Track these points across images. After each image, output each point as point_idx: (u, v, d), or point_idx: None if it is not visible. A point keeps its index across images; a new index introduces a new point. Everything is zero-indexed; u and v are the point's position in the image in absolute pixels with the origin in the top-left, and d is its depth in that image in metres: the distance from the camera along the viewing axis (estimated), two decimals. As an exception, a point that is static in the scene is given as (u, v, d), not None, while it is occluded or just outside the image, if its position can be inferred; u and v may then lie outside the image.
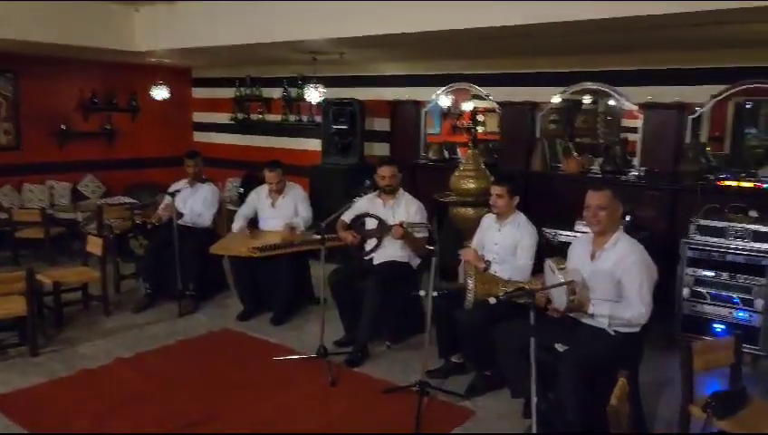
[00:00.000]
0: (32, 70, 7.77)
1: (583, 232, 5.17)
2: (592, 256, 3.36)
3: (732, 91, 5.15)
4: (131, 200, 8.05)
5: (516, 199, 4.13)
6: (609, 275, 3.21)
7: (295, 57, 7.09)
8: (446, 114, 7.35)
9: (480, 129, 7.47)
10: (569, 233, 5.31)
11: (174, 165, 9.26)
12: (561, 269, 3.12)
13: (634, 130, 6.19)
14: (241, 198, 8.26)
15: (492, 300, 3.08)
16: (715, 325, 4.49)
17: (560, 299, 3.14)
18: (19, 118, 7.79)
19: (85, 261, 5.49)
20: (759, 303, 4.32)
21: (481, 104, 7.32)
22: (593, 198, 3.38)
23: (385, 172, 4.69)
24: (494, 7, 4.46)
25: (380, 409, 3.76)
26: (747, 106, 5.45)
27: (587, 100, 6.40)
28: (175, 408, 3.71)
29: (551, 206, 5.64)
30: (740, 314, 4.41)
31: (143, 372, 4.18)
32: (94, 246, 5.24)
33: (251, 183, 8.57)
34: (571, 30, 4.51)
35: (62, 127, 8.05)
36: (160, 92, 8.11)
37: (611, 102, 6.52)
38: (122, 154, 8.83)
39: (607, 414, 2.36)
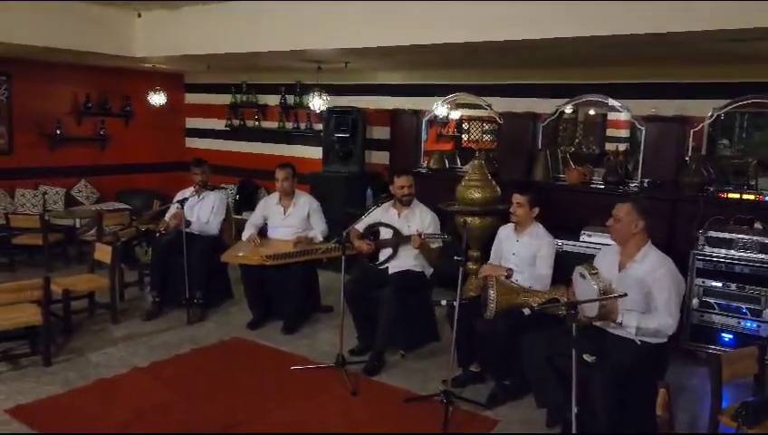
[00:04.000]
0: (25, 72, 7.65)
1: (589, 242, 5.36)
2: (620, 267, 3.44)
3: (734, 105, 5.31)
4: (126, 206, 7.96)
5: (536, 211, 4.21)
6: (639, 285, 3.29)
7: (296, 65, 7.10)
8: (431, 122, 7.43)
9: (464, 137, 7.58)
10: (574, 243, 5.44)
11: (164, 171, 9.24)
12: (594, 274, 3.18)
13: (619, 139, 6.36)
14: (237, 205, 8.24)
15: (526, 311, 3.12)
16: (723, 335, 4.61)
17: (591, 306, 3.20)
18: (12, 121, 7.64)
19: (91, 268, 5.42)
20: (767, 313, 4.46)
21: (467, 113, 7.41)
22: (614, 209, 3.50)
23: (403, 182, 4.73)
24: (495, 22, 4.56)
25: (404, 418, 3.78)
26: (721, 118, 5.61)
27: (568, 110, 6.50)
28: (198, 416, 3.69)
29: (554, 216, 5.72)
30: (748, 324, 4.54)
31: (162, 381, 4.14)
32: (103, 253, 5.17)
33: (247, 189, 8.57)
34: (576, 44, 4.61)
35: (56, 131, 7.92)
36: (158, 98, 8.04)
37: (591, 112, 6.64)
38: (114, 159, 8.72)
39: (656, 423, 2.43)
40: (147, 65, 7.84)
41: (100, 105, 8.39)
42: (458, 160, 7.35)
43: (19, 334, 4.38)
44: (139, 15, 6.72)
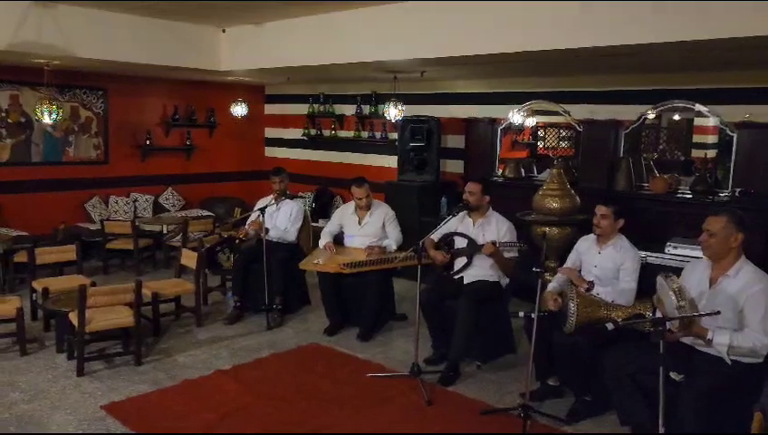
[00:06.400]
0: (120, 87, 8.14)
1: (675, 254, 5.14)
2: (711, 282, 3.28)
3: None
4: (209, 213, 8.29)
5: (621, 222, 4.08)
6: (731, 302, 3.12)
7: (373, 75, 7.20)
8: (506, 130, 7.32)
9: (540, 144, 7.42)
10: (659, 255, 5.23)
11: (245, 179, 9.57)
12: (676, 290, 3.02)
13: (706, 146, 6.03)
14: (313, 213, 8.41)
15: (609, 326, 3.03)
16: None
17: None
18: (107, 133, 8.14)
19: (178, 273, 5.67)
20: None
21: (542, 119, 7.26)
22: (706, 223, 3.32)
23: (468, 188, 4.74)
24: (582, 29, 4.43)
25: (480, 430, 3.75)
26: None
27: (651, 115, 6.23)
28: (278, 420, 3.80)
29: (637, 227, 5.51)
30: None
31: (243, 383, 4.28)
32: (189, 259, 5.41)
33: (323, 198, 8.74)
34: (665, 50, 4.42)
35: (147, 142, 8.37)
36: (240, 109, 8.36)
37: (676, 117, 6.30)
38: (199, 168, 9.12)
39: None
40: (230, 78, 8.16)
41: (186, 117, 8.81)
42: (534, 169, 7.22)
43: (113, 335, 4.65)
44: (224, 31, 7.01)
